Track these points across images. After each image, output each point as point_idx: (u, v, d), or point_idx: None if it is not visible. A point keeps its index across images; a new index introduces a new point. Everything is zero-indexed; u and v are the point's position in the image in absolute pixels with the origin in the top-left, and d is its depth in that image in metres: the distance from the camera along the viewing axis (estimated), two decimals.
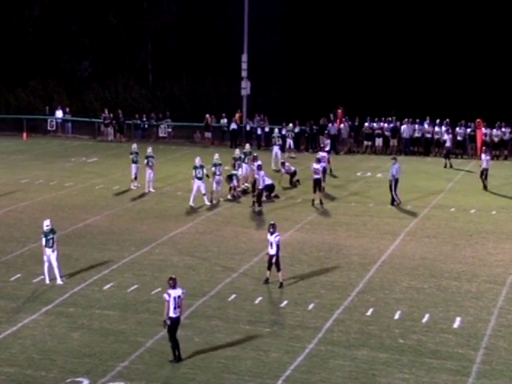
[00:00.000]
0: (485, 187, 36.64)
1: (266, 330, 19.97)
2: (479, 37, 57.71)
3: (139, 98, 62.56)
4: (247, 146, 38.28)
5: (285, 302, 21.92)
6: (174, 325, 17.98)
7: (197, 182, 33.22)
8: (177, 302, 17.93)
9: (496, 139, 46.92)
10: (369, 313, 21.20)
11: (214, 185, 33.86)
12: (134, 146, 37.55)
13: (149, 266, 24.98)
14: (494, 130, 46.91)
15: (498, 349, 18.97)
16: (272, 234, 23.03)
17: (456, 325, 20.42)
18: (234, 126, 50.83)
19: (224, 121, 52.15)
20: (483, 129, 46.65)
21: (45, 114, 56.55)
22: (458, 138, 47.28)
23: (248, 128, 51.16)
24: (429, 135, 47.67)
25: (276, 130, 45.16)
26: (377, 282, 23.65)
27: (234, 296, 22.40)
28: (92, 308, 21.44)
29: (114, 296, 22.37)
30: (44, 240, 23.36)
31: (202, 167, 33.33)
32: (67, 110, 56.30)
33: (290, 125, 48.12)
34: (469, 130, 47.27)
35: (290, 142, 46.73)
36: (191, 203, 33.14)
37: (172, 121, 53.89)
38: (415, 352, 18.70)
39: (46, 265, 23.38)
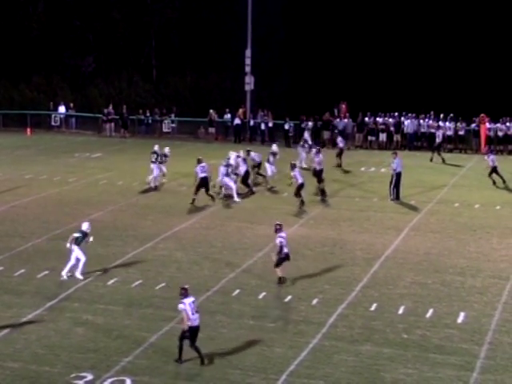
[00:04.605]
0: (503, 181, 36.46)
1: (270, 325, 19.97)
2: (483, 31, 57.63)
3: (143, 93, 62.56)
4: (274, 146, 37.89)
5: (289, 297, 21.92)
6: (193, 333, 17.56)
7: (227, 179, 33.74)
8: (193, 308, 17.59)
9: (500, 134, 46.93)
10: (373, 308, 21.19)
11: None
12: (156, 147, 36.80)
13: (153, 262, 24.99)
14: (499, 125, 46.92)
15: (502, 344, 18.96)
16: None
17: (460, 320, 20.41)
18: (237, 121, 50.84)
19: (228, 116, 52.15)
20: (487, 124, 46.65)
21: (49, 110, 56.59)
22: (460, 132, 47.46)
23: (252, 123, 51.14)
24: (433, 130, 47.67)
25: (306, 135, 44.54)
26: (381, 277, 23.64)
27: (237, 291, 22.40)
28: (96, 303, 21.44)
29: (118, 291, 22.37)
30: (75, 238, 23.24)
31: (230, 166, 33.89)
32: (71, 105, 56.33)
33: (310, 123, 47.96)
34: (473, 125, 47.33)
35: (307, 137, 45.85)
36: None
37: (176, 116, 53.89)
38: (419, 347, 18.69)
39: (73, 262, 23.30)
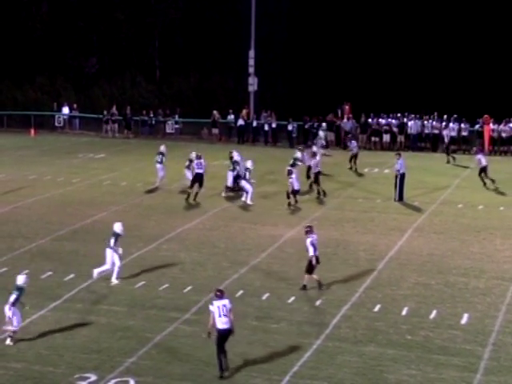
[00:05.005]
0: (492, 181, 36.32)
1: (274, 326, 19.97)
2: (487, 32, 57.59)
3: (146, 94, 62.59)
4: (298, 153, 37.90)
5: (292, 298, 21.91)
6: (221, 337, 17.24)
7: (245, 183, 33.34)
8: (221, 310, 17.15)
9: (504, 135, 46.89)
10: (376, 309, 21.19)
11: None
12: (162, 147, 37.11)
13: (156, 262, 25.00)
14: (502, 126, 46.88)
15: (505, 345, 18.95)
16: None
17: (464, 321, 20.40)
18: (241, 122, 50.84)
19: (231, 117, 52.15)
20: (491, 124, 46.63)
21: (52, 111, 56.62)
22: (464, 133, 47.45)
23: (255, 124, 51.15)
24: (436, 131, 47.68)
25: (321, 133, 43.76)
26: (384, 278, 23.62)
27: (241, 292, 22.40)
28: (100, 304, 21.47)
29: (121, 292, 22.38)
30: (113, 241, 22.94)
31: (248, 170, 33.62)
32: (74, 106, 56.38)
33: (324, 124, 47.71)
34: (477, 126, 47.34)
35: (322, 136, 44.70)
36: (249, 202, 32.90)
37: (179, 117, 53.91)
38: (423, 348, 18.68)
39: (108, 266, 22.99)
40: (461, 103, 51.15)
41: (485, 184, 36.24)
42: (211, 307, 17.32)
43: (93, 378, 17.10)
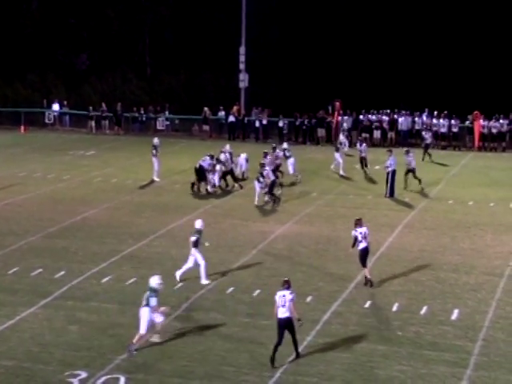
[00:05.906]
0: (419, 181, 35.13)
1: (265, 323, 19.93)
2: (477, 29, 57.66)
3: (137, 90, 62.50)
4: (285, 144, 38.31)
5: None
6: (279, 326, 17.49)
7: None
8: (280, 300, 17.44)
9: (494, 131, 47.00)
10: (367, 305, 21.22)
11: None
12: (156, 140, 37.41)
13: (147, 259, 24.98)
14: (492, 122, 46.98)
15: (496, 340, 18.99)
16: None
17: (454, 317, 20.44)
18: (231, 118, 50.81)
19: (222, 113, 52.11)
20: (481, 121, 46.74)
21: (43, 108, 56.48)
22: (454, 129, 47.53)
23: (245, 121, 51.09)
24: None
25: (341, 137, 42.79)
26: (375, 275, 23.61)
27: (232, 289, 22.40)
28: (90, 301, 21.43)
29: (112, 289, 22.36)
30: (195, 239, 22.68)
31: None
32: (65, 103, 56.24)
33: (344, 125, 47.43)
34: (467, 122, 47.43)
35: (344, 140, 42.82)
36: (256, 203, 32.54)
37: (169, 113, 53.86)
38: (413, 344, 18.72)
39: (190, 265, 22.77)
40: (451, 99, 51.22)
41: (406, 187, 34.82)
42: (276, 296, 17.68)
43: (83, 375, 17.08)
